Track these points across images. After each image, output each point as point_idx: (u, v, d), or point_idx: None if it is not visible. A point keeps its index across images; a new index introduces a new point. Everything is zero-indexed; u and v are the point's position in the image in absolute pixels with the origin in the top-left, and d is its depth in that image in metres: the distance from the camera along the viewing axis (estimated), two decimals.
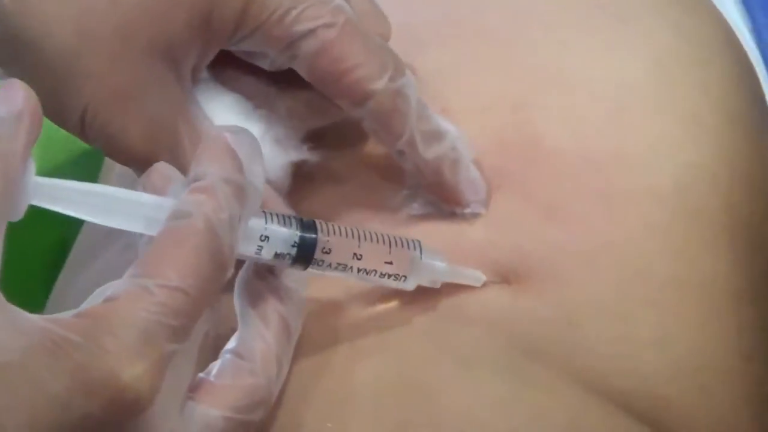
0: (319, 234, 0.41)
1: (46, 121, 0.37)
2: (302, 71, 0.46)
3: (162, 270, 0.35)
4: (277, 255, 0.40)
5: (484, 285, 0.47)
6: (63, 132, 0.45)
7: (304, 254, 0.41)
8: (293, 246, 0.40)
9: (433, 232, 0.48)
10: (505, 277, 0.48)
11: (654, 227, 0.49)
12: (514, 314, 0.47)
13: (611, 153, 0.51)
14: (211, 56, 0.46)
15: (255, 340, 0.40)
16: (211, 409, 0.38)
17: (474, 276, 0.47)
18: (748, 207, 0.52)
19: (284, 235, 0.40)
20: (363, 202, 0.50)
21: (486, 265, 0.48)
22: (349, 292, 0.47)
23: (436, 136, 0.48)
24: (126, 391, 0.33)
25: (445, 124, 0.48)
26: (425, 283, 0.45)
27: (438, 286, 0.46)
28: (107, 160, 0.68)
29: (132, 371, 0.33)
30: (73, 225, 0.66)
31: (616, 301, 0.48)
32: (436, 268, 0.45)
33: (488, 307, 0.47)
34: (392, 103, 0.46)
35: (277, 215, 0.41)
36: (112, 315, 0.34)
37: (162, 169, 0.40)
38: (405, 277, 0.44)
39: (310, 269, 0.41)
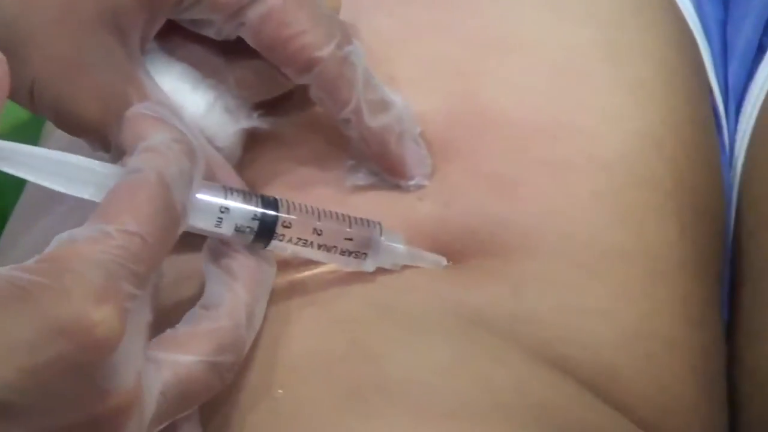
0: (280, 209, 0.42)
1: None
2: (249, 39, 0.46)
3: (120, 217, 0.35)
4: (237, 228, 0.41)
5: None
6: None
7: (265, 228, 0.41)
8: (254, 219, 0.41)
9: (380, 205, 0.48)
10: (452, 254, 0.48)
11: (600, 196, 0.49)
12: (460, 284, 0.47)
13: (557, 121, 0.51)
14: (158, 26, 0.46)
15: (221, 292, 0.40)
16: (178, 355, 0.38)
17: (435, 260, 0.47)
18: (693, 174, 0.52)
19: (245, 209, 0.41)
20: (310, 170, 0.50)
21: (433, 242, 0.48)
22: (300, 263, 0.47)
23: (383, 106, 0.48)
24: (95, 330, 0.33)
25: (392, 95, 0.48)
26: (386, 265, 0.45)
27: (398, 269, 0.46)
28: (47, 125, 0.67)
29: (100, 310, 0.33)
30: (8, 195, 0.65)
31: (561, 271, 0.48)
32: (396, 251, 0.45)
33: (435, 278, 0.47)
34: (338, 70, 0.46)
35: (238, 190, 0.41)
36: (75, 257, 0.34)
37: None
38: (365, 254, 0.44)
39: (272, 244, 0.42)
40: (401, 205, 0.49)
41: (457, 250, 0.48)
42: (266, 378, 0.43)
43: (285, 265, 0.46)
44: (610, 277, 0.48)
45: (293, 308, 0.45)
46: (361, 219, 0.44)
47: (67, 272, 0.34)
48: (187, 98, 0.46)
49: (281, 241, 0.42)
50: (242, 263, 0.41)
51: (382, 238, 0.44)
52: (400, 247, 0.45)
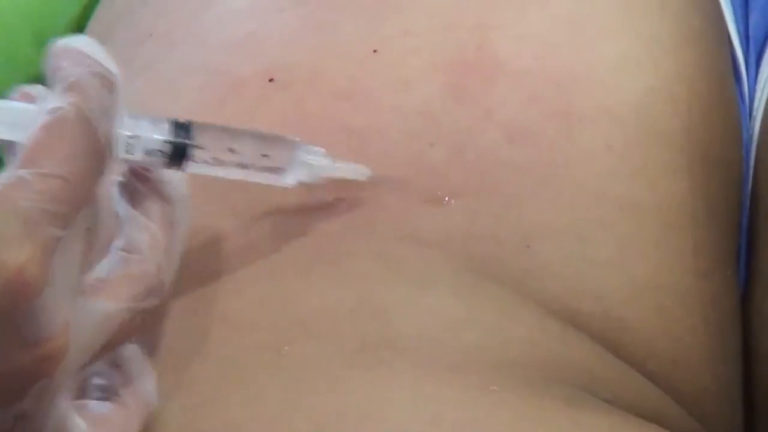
0: (192, 131, 0.41)
1: None
2: None
3: (37, 160, 0.34)
4: (149, 152, 0.40)
5: (442, 207, 0.47)
6: None
7: (178, 151, 0.41)
8: (165, 143, 0.41)
9: (393, 154, 0.48)
10: (464, 198, 0.48)
11: (612, 148, 0.49)
12: (471, 236, 0.47)
13: (571, 73, 0.50)
14: None
15: (140, 233, 0.40)
16: (106, 302, 0.37)
17: (356, 170, 0.46)
18: (707, 128, 0.52)
19: (155, 133, 0.40)
20: None
21: (445, 186, 0.48)
22: (305, 216, 0.47)
23: None
24: (17, 276, 0.32)
25: None
26: (306, 178, 0.45)
27: (320, 181, 0.45)
28: None
29: (19, 256, 0.33)
30: None
31: (572, 222, 0.48)
32: (315, 163, 0.45)
33: (445, 229, 0.47)
34: None
35: (148, 117, 0.41)
36: None
37: (27, 89, 0.39)
38: (284, 169, 0.44)
39: (186, 166, 0.41)
40: (412, 149, 0.49)
41: (470, 194, 0.48)
42: (272, 335, 0.43)
43: (288, 212, 0.46)
44: (621, 230, 0.48)
45: (302, 265, 0.46)
46: (277, 135, 0.44)
47: None
48: None
49: (196, 162, 0.41)
50: (157, 203, 0.41)
51: (300, 152, 0.44)
52: (319, 159, 0.45)
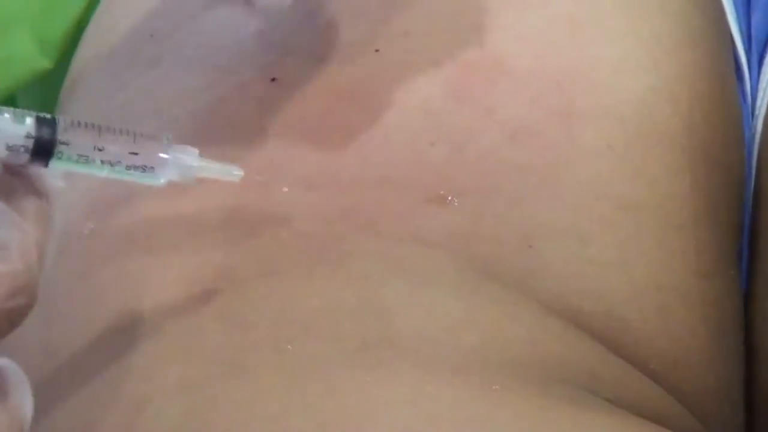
0: (57, 126, 0.41)
1: None
2: None
3: None
4: (10, 147, 0.39)
5: (443, 207, 0.47)
6: None
7: (42, 147, 0.40)
8: (28, 138, 0.40)
9: (394, 154, 0.48)
10: (465, 198, 0.48)
11: (613, 148, 0.49)
12: (472, 236, 0.47)
13: (572, 73, 0.50)
14: None
15: (10, 230, 0.39)
16: None
17: (227, 170, 0.44)
18: (708, 128, 0.52)
19: (17, 128, 0.40)
20: None
21: (446, 186, 0.48)
22: (306, 215, 0.47)
23: None
24: None
25: None
26: (176, 177, 0.43)
27: (192, 182, 0.44)
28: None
29: None
30: None
31: (574, 222, 0.48)
32: (185, 162, 0.43)
33: (447, 229, 0.47)
34: None
35: (9, 110, 0.40)
36: None
37: None
38: (153, 168, 0.43)
39: (52, 164, 0.41)
40: (414, 149, 0.49)
41: (471, 193, 0.48)
42: (275, 333, 0.43)
43: (293, 221, 0.46)
44: (622, 229, 0.48)
45: (303, 265, 0.46)
46: (148, 133, 0.43)
47: None
48: None
49: (60, 159, 0.41)
50: (29, 199, 0.40)
51: (171, 151, 0.43)
52: (189, 158, 0.43)
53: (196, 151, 0.44)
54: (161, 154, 0.43)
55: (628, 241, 0.48)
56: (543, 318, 0.46)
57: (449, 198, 0.47)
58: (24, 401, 0.38)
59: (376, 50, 0.51)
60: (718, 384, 0.50)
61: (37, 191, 0.40)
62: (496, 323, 0.45)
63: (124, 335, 0.45)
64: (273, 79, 0.52)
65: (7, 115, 0.40)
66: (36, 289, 0.39)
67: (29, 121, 0.40)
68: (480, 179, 0.48)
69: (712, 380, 0.50)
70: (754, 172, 0.57)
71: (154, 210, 0.48)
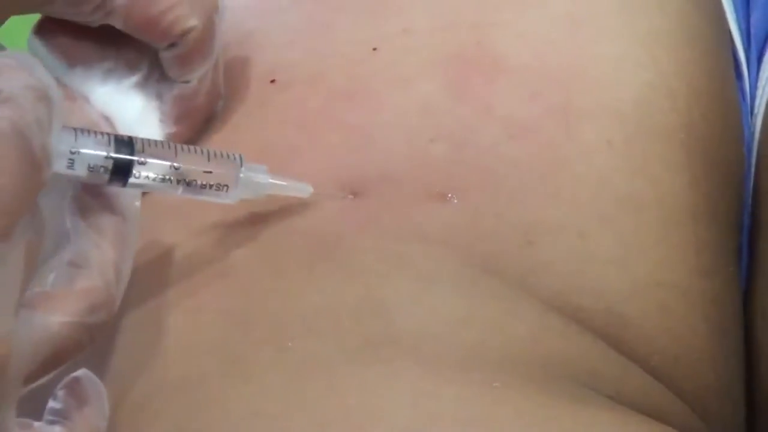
0: (135, 146, 0.41)
1: None
2: (119, 24, 0.46)
3: None
4: (91, 169, 0.40)
5: (444, 204, 0.47)
6: None
7: (121, 167, 0.41)
8: (107, 158, 0.40)
9: (394, 151, 0.48)
10: (466, 195, 0.48)
11: (612, 144, 0.49)
12: (473, 233, 0.47)
13: (571, 70, 0.50)
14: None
15: (89, 249, 0.40)
16: (49, 315, 0.37)
17: (299, 188, 0.46)
18: (707, 125, 0.52)
19: (96, 149, 0.40)
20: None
21: (447, 183, 0.48)
22: (307, 214, 0.47)
23: None
24: None
25: None
26: (248, 196, 0.45)
27: (262, 198, 0.45)
28: None
29: None
30: None
31: (573, 219, 0.48)
32: (257, 181, 0.45)
33: (447, 225, 0.47)
34: (208, 35, 0.47)
35: (89, 131, 0.41)
36: None
37: None
38: (227, 186, 0.44)
39: (130, 184, 0.41)
40: (413, 146, 0.49)
41: (471, 190, 0.48)
42: (275, 331, 0.43)
43: (294, 220, 0.46)
44: (622, 226, 0.48)
45: (304, 262, 0.46)
46: (221, 152, 0.44)
47: None
48: (120, 105, 0.49)
49: (138, 179, 0.41)
50: (108, 218, 0.41)
51: (243, 169, 0.44)
52: (261, 176, 0.45)
53: (265, 168, 0.45)
54: (235, 173, 0.44)
55: (628, 238, 0.48)
56: (543, 315, 0.46)
57: (449, 195, 0.47)
58: (100, 411, 0.39)
59: (374, 48, 0.51)
60: (718, 381, 0.50)
61: (115, 210, 0.41)
62: (497, 320, 0.45)
63: (123, 334, 0.45)
64: (272, 81, 0.52)
65: (87, 137, 0.40)
66: (114, 306, 0.40)
67: (108, 140, 0.41)
68: (480, 176, 0.48)
69: (713, 377, 0.50)
70: (753, 170, 0.57)
71: (154, 209, 0.48)
